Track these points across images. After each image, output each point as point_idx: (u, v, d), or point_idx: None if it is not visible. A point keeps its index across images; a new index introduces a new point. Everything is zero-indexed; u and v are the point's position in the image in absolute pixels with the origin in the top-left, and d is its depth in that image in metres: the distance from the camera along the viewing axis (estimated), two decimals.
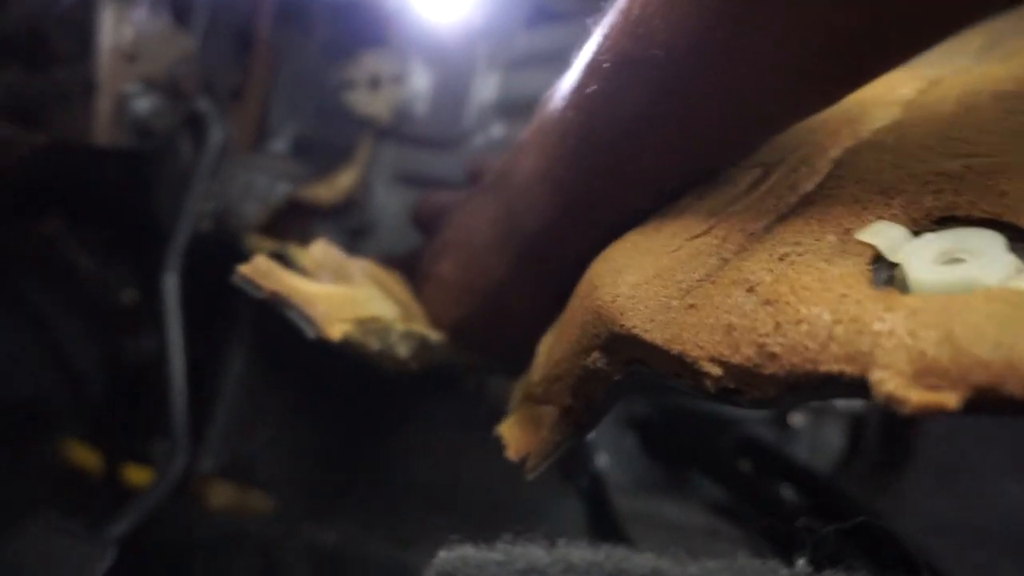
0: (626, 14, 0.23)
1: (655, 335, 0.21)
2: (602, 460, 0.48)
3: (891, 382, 0.16)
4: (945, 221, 0.20)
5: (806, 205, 0.23)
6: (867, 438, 0.52)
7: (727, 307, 0.20)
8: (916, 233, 0.20)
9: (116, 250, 0.49)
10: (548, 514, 0.48)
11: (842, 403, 0.52)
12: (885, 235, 0.20)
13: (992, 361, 0.15)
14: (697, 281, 0.22)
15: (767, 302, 0.19)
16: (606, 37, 0.24)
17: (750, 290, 0.20)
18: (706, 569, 0.17)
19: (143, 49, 0.41)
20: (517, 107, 0.51)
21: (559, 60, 0.51)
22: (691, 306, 0.21)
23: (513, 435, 0.28)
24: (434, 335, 0.35)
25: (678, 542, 0.19)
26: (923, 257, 0.19)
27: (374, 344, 0.32)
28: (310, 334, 0.31)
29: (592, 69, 0.25)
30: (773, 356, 0.18)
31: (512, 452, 0.27)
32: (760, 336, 0.19)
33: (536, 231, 0.29)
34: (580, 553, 0.17)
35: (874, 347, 0.16)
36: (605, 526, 0.43)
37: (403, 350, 0.33)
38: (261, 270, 0.31)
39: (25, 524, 0.34)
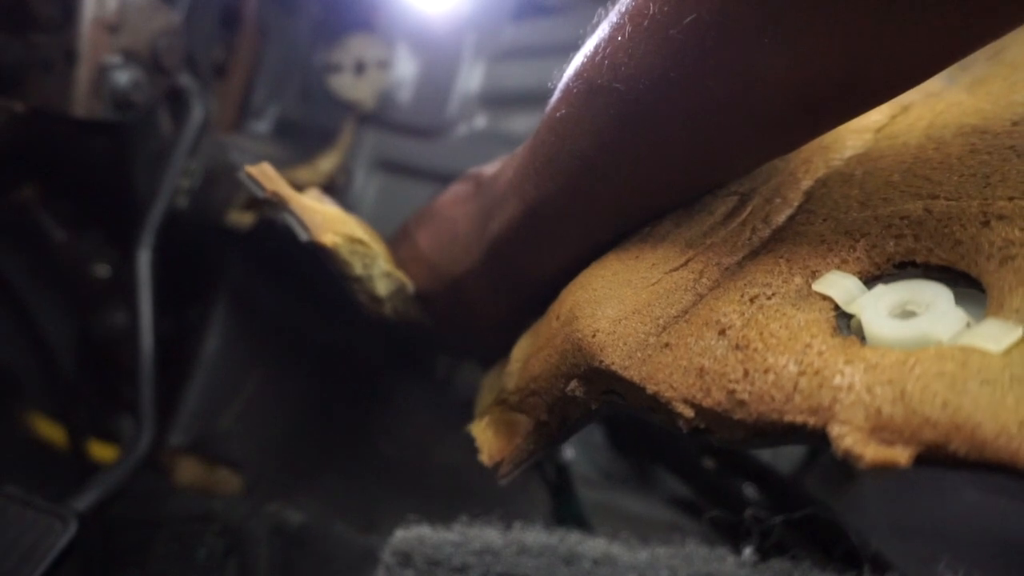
0: (597, 45, 0.24)
1: (632, 373, 0.22)
2: (569, 452, 0.48)
3: (849, 437, 0.16)
4: (904, 265, 0.21)
5: (777, 241, 0.24)
6: None
7: (700, 349, 0.21)
8: (870, 283, 0.21)
9: (90, 223, 0.48)
10: (515, 501, 0.48)
11: None
12: (840, 286, 0.21)
13: (940, 420, 0.16)
14: (673, 317, 0.23)
15: (737, 347, 0.20)
16: (579, 64, 0.25)
17: (722, 333, 0.21)
18: (655, 555, 0.17)
19: (126, 21, 0.40)
20: (501, 99, 0.52)
21: (545, 54, 0.52)
22: (667, 345, 0.22)
23: (487, 439, 0.29)
24: (411, 285, 0.35)
25: (640, 534, 0.19)
26: (878, 309, 0.20)
27: (357, 267, 0.33)
28: (303, 237, 0.32)
29: (564, 93, 0.26)
30: (742, 403, 0.19)
31: (486, 457, 0.28)
32: (730, 382, 0.20)
33: (502, 238, 0.30)
34: (534, 536, 0.18)
35: (834, 401, 0.17)
36: (569, 516, 0.43)
37: (382, 288, 0.34)
38: (267, 173, 0.32)
39: None
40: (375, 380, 0.49)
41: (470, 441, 0.30)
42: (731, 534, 0.31)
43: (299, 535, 0.44)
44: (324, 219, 0.33)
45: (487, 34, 0.52)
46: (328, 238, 0.32)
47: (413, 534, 0.18)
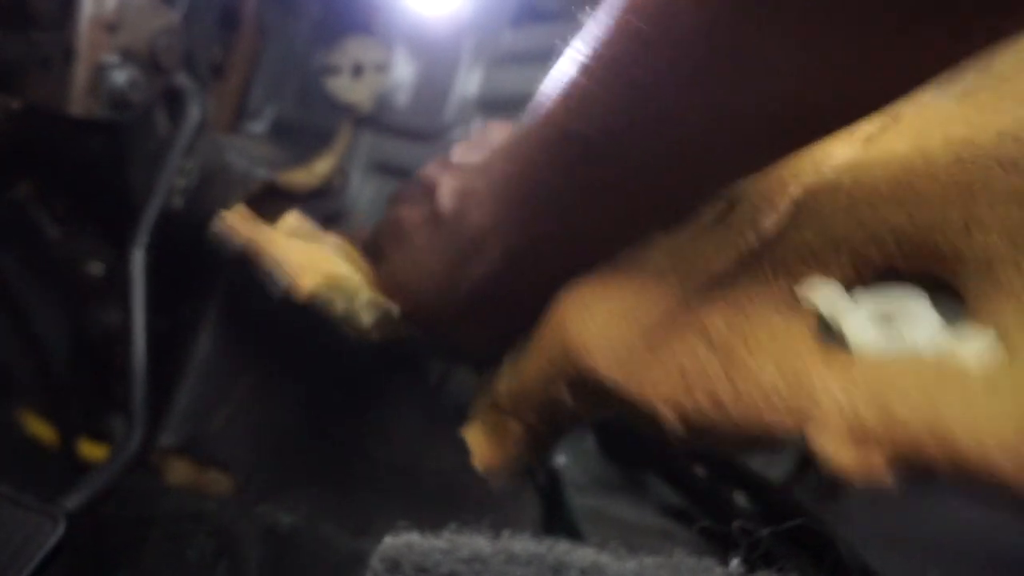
0: (566, 88, 0.24)
1: (618, 377, 0.22)
2: (560, 458, 0.48)
3: (827, 442, 0.17)
4: (886, 274, 0.21)
5: (764, 248, 0.24)
6: None
7: (684, 353, 0.21)
8: (853, 291, 0.21)
9: (85, 221, 0.48)
10: (506, 507, 0.48)
11: None
12: (822, 293, 0.21)
13: (918, 430, 0.16)
14: (659, 323, 0.23)
15: (720, 352, 0.20)
16: (549, 109, 0.25)
17: (706, 338, 0.21)
18: (643, 565, 0.17)
19: (124, 19, 0.40)
20: (499, 103, 0.52)
21: (543, 60, 0.52)
22: (652, 349, 0.22)
23: (479, 444, 0.29)
24: (395, 308, 0.35)
25: (631, 541, 0.20)
26: (859, 316, 0.20)
27: (339, 305, 0.33)
28: (279, 286, 0.31)
29: (534, 138, 0.26)
30: (723, 407, 0.19)
31: (478, 462, 0.28)
32: (712, 386, 0.20)
33: (485, 284, 0.30)
34: (523, 545, 0.18)
35: (813, 406, 0.17)
36: (560, 522, 0.43)
37: (366, 317, 0.34)
38: (235, 226, 0.32)
39: None
40: (368, 383, 0.49)
41: (462, 445, 0.30)
42: (721, 543, 0.31)
43: (290, 537, 0.43)
44: (300, 263, 0.32)
45: (486, 39, 0.52)
46: (305, 284, 0.31)
47: (402, 541, 0.18)
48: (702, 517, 0.43)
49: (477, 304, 0.31)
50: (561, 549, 0.18)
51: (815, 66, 0.19)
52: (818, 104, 0.20)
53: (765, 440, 0.19)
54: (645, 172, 0.24)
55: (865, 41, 0.18)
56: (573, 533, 0.44)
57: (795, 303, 0.21)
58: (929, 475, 0.16)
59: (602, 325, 0.24)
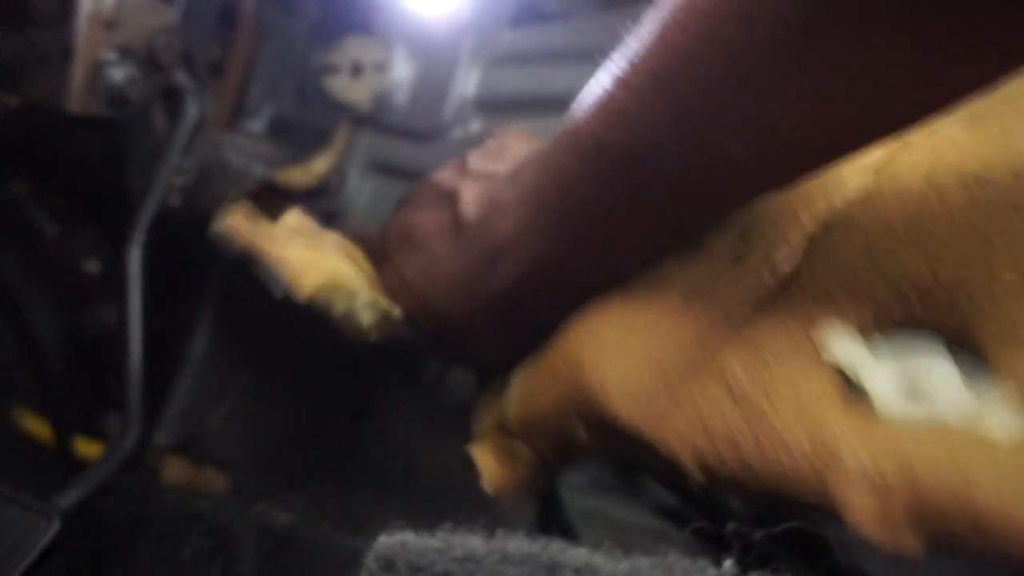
0: (603, 99, 0.23)
1: (641, 428, 0.22)
2: None
3: (863, 521, 0.17)
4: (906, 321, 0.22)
5: (784, 294, 0.24)
6: None
7: (710, 410, 0.21)
8: (871, 337, 0.21)
9: (82, 219, 0.48)
10: (501, 505, 0.48)
11: None
12: (843, 345, 0.21)
13: (951, 513, 0.16)
14: (682, 371, 0.23)
15: (747, 411, 0.21)
16: (586, 119, 0.24)
17: (731, 394, 0.21)
18: (637, 565, 0.17)
19: (123, 17, 0.40)
20: (497, 104, 0.52)
21: (542, 60, 0.52)
22: (676, 401, 0.22)
23: (489, 466, 0.29)
24: (396, 311, 0.35)
25: (625, 541, 0.20)
26: (881, 374, 0.20)
27: (339, 308, 0.33)
28: (278, 291, 0.31)
29: (570, 149, 0.25)
30: (752, 471, 0.20)
31: (488, 485, 0.28)
32: (741, 449, 0.20)
33: (510, 292, 0.30)
34: (517, 544, 0.18)
35: (836, 465, 0.18)
36: (555, 522, 0.43)
37: (366, 319, 0.34)
38: (237, 225, 0.32)
39: None
40: (365, 382, 0.49)
41: (459, 445, 0.31)
42: (715, 544, 0.31)
43: (286, 536, 0.44)
44: (299, 267, 0.32)
45: (484, 39, 0.52)
46: (304, 289, 0.32)
47: (397, 540, 0.18)
48: (696, 517, 0.43)
49: (495, 314, 0.31)
50: (555, 549, 0.18)
51: (853, 92, 0.19)
52: (852, 128, 0.21)
53: (787, 496, 0.19)
54: (679, 185, 0.24)
55: (898, 63, 0.19)
56: (567, 533, 0.44)
57: (814, 350, 0.22)
58: (954, 543, 0.16)
59: (620, 365, 0.24)
